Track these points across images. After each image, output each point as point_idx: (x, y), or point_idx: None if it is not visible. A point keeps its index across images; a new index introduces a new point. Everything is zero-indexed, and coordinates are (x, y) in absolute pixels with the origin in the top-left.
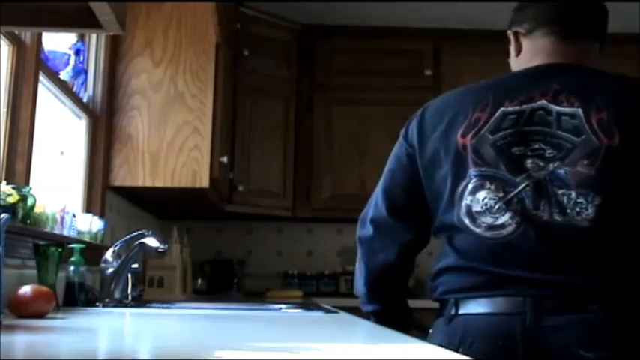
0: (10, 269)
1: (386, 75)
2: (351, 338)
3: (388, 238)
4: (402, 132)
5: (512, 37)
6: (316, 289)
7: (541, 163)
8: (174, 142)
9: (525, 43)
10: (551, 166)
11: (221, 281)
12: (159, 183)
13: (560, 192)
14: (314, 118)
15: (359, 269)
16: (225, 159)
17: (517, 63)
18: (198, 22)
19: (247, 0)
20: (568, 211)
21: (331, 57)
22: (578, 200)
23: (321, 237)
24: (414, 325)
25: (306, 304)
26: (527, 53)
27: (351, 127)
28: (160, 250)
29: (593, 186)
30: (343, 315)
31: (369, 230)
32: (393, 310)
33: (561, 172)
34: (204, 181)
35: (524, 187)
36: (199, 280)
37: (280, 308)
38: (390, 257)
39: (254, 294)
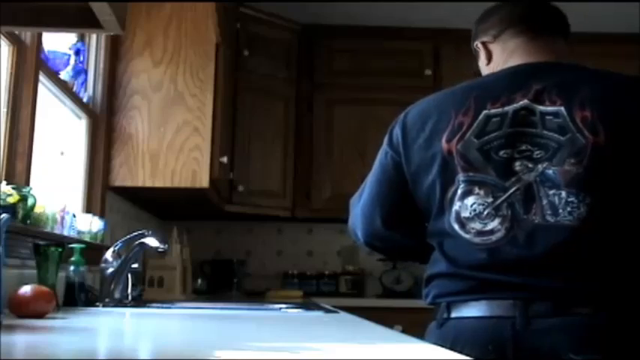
0: (10, 269)
1: (386, 75)
2: (351, 338)
3: (390, 247)
4: (386, 139)
5: (480, 49)
6: (316, 289)
7: (530, 165)
8: (174, 142)
9: (495, 47)
10: (540, 167)
11: (221, 281)
12: (159, 183)
13: (551, 192)
14: (314, 118)
15: None
16: (225, 159)
17: (490, 70)
18: (198, 22)
19: (247, 0)
20: (560, 211)
21: (331, 57)
22: (569, 199)
23: (321, 237)
24: None
25: (306, 304)
26: (500, 56)
27: (351, 127)
28: (160, 250)
29: (583, 184)
30: (343, 315)
31: (366, 243)
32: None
33: (550, 172)
34: (204, 181)
35: (515, 191)
36: (199, 280)
37: (280, 308)
38: (397, 259)
39: (254, 294)
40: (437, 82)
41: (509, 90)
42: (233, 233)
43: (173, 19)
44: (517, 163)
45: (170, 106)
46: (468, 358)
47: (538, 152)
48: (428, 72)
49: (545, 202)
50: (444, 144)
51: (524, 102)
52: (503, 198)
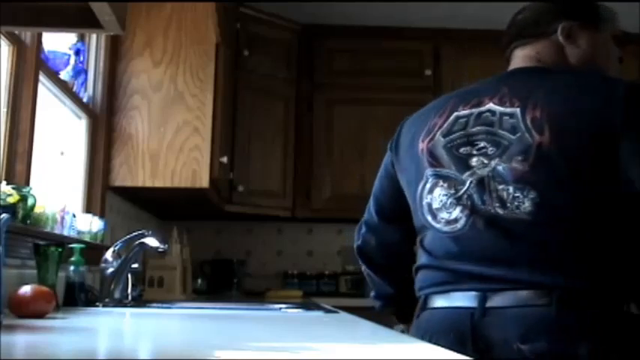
0: (10, 269)
1: (386, 75)
2: (351, 338)
3: (379, 239)
4: (390, 142)
5: None
6: (316, 289)
7: (485, 161)
8: (174, 142)
9: None
10: (493, 163)
11: (221, 281)
12: (159, 183)
13: (500, 187)
14: (314, 118)
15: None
16: (225, 159)
17: None
18: (198, 22)
19: (247, 0)
20: (508, 205)
21: (331, 57)
22: (516, 194)
23: (321, 237)
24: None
25: (306, 304)
26: None
27: (351, 127)
28: (160, 250)
29: (528, 181)
30: (343, 315)
31: (363, 232)
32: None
33: (500, 168)
34: (204, 181)
35: (470, 184)
36: (199, 280)
37: (280, 308)
38: (377, 253)
39: (254, 294)
40: (437, 82)
41: (481, 93)
42: (233, 233)
43: (173, 19)
44: (474, 159)
45: (170, 106)
46: (467, 358)
47: (492, 149)
48: (428, 72)
49: (494, 195)
50: (420, 143)
51: (489, 105)
52: (463, 190)
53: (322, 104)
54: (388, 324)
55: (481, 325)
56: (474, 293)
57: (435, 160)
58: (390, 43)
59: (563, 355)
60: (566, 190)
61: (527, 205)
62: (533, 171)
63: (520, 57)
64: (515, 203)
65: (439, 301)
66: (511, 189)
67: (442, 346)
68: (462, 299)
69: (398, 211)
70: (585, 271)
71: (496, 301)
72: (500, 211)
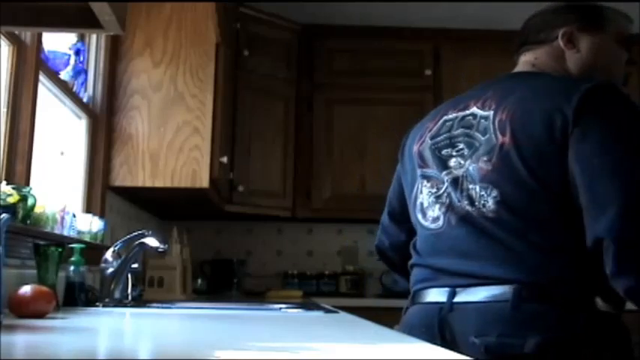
0: (10, 269)
1: (386, 75)
2: (351, 338)
3: (389, 239)
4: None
5: None
6: (316, 289)
7: (461, 162)
8: (174, 142)
9: None
10: (466, 164)
11: (221, 281)
12: (159, 183)
13: (470, 186)
14: (314, 118)
15: None
16: (225, 159)
17: None
18: (198, 23)
19: (247, 0)
20: (476, 203)
21: (331, 57)
22: (481, 193)
23: (321, 237)
24: None
25: (306, 304)
26: None
27: (351, 127)
28: (160, 250)
29: (491, 180)
30: (343, 315)
31: (379, 232)
32: None
33: (471, 168)
34: (204, 181)
35: (447, 183)
36: (199, 280)
37: (280, 308)
38: (391, 252)
39: (254, 294)
40: (437, 82)
41: (469, 99)
42: (233, 233)
43: (173, 19)
44: (453, 160)
45: (170, 106)
46: (467, 358)
47: (467, 151)
48: (428, 72)
49: (465, 194)
50: (414, 146)
51: (473, 109)
52: (443, 189)
53: (322, 104)
54: (388, 324)
55: (447, 320)
56: (446, 289)
57: (422, 162)
58: (390, 43)
59: (511, 349)
60: (524, 188)
61: (490, 203)
62: (495, 170)
63: (520, 63)
64: (482, 202)
65: (420, 297)
66: (477, 188)
67: (417, 339)
68: (436, 295)
69: (405, 213)
70: (546, 267)
71: (463, 296)
72: (469, 208)
